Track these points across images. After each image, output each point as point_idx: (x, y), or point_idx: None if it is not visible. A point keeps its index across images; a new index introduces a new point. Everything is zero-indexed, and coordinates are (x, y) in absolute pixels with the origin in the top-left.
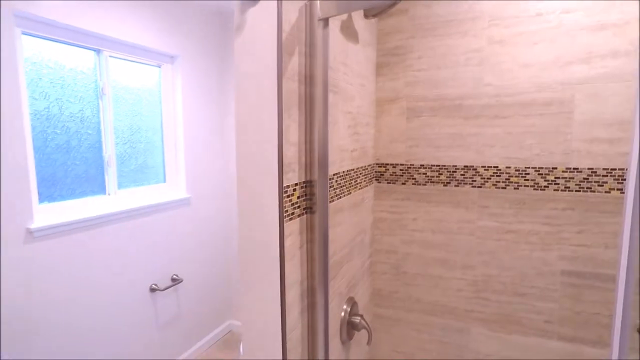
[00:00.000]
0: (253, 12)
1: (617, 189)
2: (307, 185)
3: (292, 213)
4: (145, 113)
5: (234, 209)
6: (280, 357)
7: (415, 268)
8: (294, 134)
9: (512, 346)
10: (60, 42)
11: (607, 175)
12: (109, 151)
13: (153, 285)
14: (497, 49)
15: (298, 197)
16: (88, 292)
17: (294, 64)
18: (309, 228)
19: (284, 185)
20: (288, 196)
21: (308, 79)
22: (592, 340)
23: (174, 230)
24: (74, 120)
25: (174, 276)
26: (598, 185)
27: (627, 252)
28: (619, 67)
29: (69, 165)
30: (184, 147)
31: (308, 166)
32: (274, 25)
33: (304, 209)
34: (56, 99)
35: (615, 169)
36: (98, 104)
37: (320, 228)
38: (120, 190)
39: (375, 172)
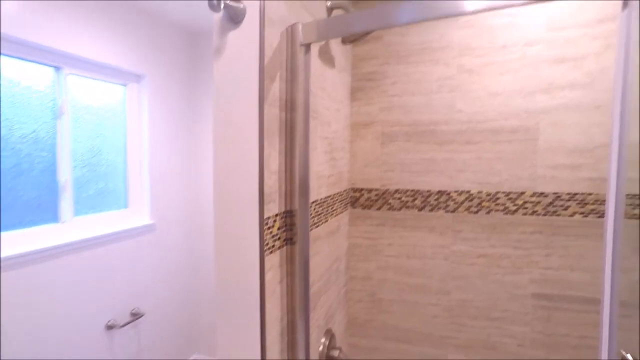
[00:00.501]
0: (234, 35)
1: (580, 213)
2: (288, 215)
3: (273, 245)
4: (108, 134)
5: (203, 236)
6: None
7: (390, 294)
8: (274, 162)
9: None
10: (13, 58)
11: (570, 200)
12: (65, 175)
13: (110, 322)
14: (467, 77)
15: (278, 229)
16: (34, 331)
17: (275, 89)
18: (289, 260)
19: (265, 216)
20: (269, 228)
21: (289, 105)
22: None
23: (136, 259)
24: (26, 142)
25: (135, 310)
26: (562, 209)
27: (609, 278)
28: (576, 98)
29: (19, 191)
30: (149, 170)
31: (288, 195)
32: (256, 49)
33: (284, 240)
34: (5, 119)
35: (577, 194)
36: (55, 124)
37: (301, 259)
38: (77, 217)
39: (350, 197)
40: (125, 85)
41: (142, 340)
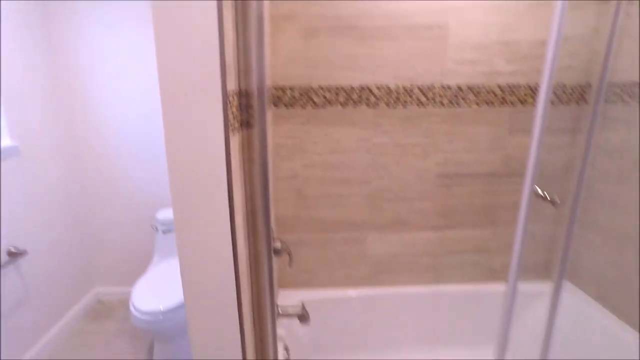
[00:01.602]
0: None
1: (475, 103)
2: (243, 96)
3: (234, 126)
4: None
5: (83, 155)
6: (233, 281)
7: (316, 190)
8: (228, 31)
9: (400, 243)
10: None
11: (469, 92)
12: None
13: None
14: None
15: (237, 108)
16: None
17: None
18: (247, 145)
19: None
20: (230, 104)
21: None
22: (454, 225)
23: (2, 189)
24: None
25: (12, 249)
26: (463, 100)
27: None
28: None
29: None
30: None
31: (242, 74)
32: None
33: (241, 123)
34: None
35: (474, 86)
36: None
37: (260, 143)
38: None
39: (272, 95)
40: None
41: (29, 280)
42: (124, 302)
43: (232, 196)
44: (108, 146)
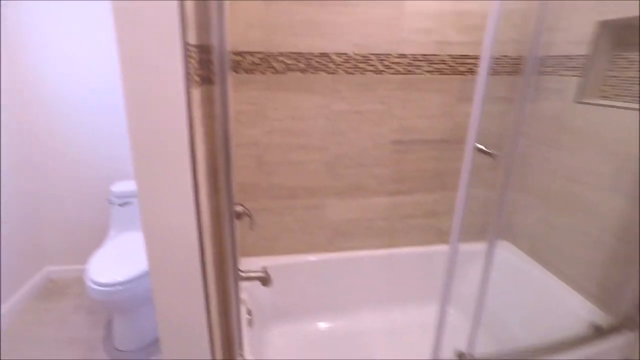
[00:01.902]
0: None
1: (428, 72)
2: (204, 51)
3: (195, 80)
4: None
5: (29, 128)
6: (197, 244)
7: (276, 157)
8: None
9: (357, 208)
10: None
11: (422, 60)
12: None
13: None
14: None
15: (198, 62)
16: None
17: None
18: (208, 102)
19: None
20: (191, 57)
21: None
22: (408, 190)
23: None
24: None
25: None
26: (417, 69)
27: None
28: None
29: None
30: None
31: (203, 27)
32: None
33: (202, 78)
34: None
35: (427, 54)
36: None
37: (222, 100)
38: None
39: (232, 61)
40: None
41: None
42: (78, 280)
43: (195, 153)
44: (56, 118)
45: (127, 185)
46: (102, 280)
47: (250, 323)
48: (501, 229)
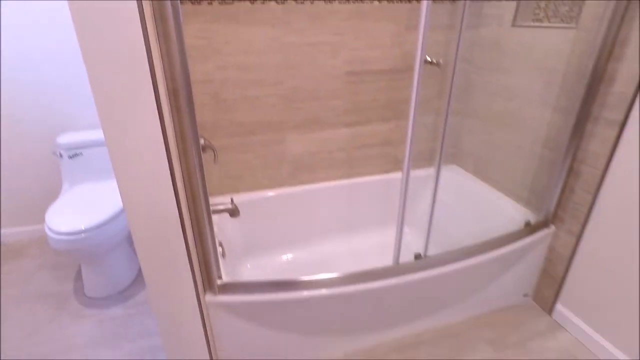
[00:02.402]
0: None
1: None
2: None
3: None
4: None
5: None
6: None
7: (233, 93)
8: None
9: (316, 141)
10: None
11: None
12: None
13: None
14: None
15: None
16: None
17: None
18: (161, 18)
19: None
20: None
21: None
22: (363, 121)
23: None
24: None
25: None
26: None
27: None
28: None
29: None
30: None
31: None
32: None
33: None
34: None
35: None
36: None
37: (174, 18)
38: None
39: None
40: None
41: None
42: (35, 240)
43: (153, 64)
44: None
45: (75, 137)
46: (64, 229)
47: (222, 254)
48: (448, 152)
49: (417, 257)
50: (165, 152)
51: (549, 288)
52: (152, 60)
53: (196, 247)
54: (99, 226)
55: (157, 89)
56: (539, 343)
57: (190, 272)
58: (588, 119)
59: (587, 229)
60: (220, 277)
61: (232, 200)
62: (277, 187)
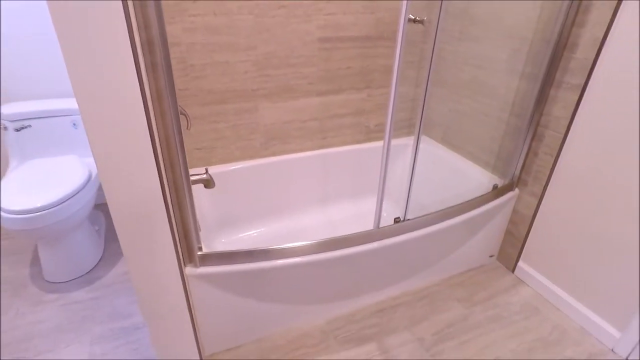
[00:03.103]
0: None
1: None
2: None
3: None
4: None
5: None
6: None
7: (202, 59)
8: None
9: (289, 110)
10: None
11: None
12: None
13: None
14: None
15: None
16: None
17: None
18: None
19: None
20: None
21: None
22: (336, 90)
23: None
24: None
25: None
26: None
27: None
28: None
29: None
30: None
31: None
32: None
33: None
34: None
35: None
36: None
37: None
38: None
39: None
40: None
41: None
42: None
43: (130, 20)
44: None
45: (21, 107)
46: (18, 207)
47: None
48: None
49: (397, 220)
50: (144, 113)
51: (512, 248)
52: (127, 3)
53: (175, 217)
54: (57, 203)
55: (134, 39)
56: (503, 298)
57: (172, 244)
58: (552, 85)
59: (548, 190)
60: (200, 249)
61: (206, 170)
62: (250, 158)
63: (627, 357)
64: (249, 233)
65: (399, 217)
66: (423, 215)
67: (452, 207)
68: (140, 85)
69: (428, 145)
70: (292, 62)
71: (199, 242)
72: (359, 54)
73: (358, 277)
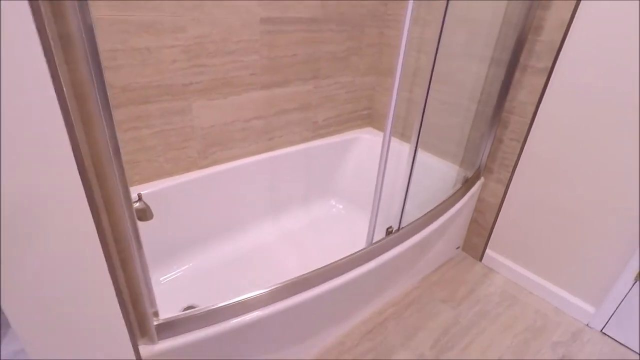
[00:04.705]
0: None
1: None
2: None
3: None
4: None
5: None
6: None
7: (113, 43)
8: None
9: (230, 108)
10: None
11: None
12: None
13: None
14: None
15: None
16: None
17: None
18: None
19: None
20: None
21: None
22: (282, 81)
23: None
24: None
25: None
26: None
27: None
28: None
29: None
30: None
31: None
32: None
33: None
34: None
35: None
36: None
37: None
38: None
39: None
40: None
41: None
42: None
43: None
44: None
45: None
46: None
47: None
48: (362, 114)
49: (389, 231)
50: (64, 124)
51: (478, 237)
52: None
53: (119, 275)
54: None
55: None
56: (481, 291)
57: (121, 317)
58: (517, 69)
59: (515, 176)
60: (156, 315)
61: (139, 197)
62: (186, 171)
63: (601, 330)
64: (193, 265)
65: (391, 227)
66: (412, 222)
67: (432, 210)
68: (54, 77)
69: (374, 137)
70: (230, 48)
71: (153, 305)
72: (305, 38)
73: (344, 302)
